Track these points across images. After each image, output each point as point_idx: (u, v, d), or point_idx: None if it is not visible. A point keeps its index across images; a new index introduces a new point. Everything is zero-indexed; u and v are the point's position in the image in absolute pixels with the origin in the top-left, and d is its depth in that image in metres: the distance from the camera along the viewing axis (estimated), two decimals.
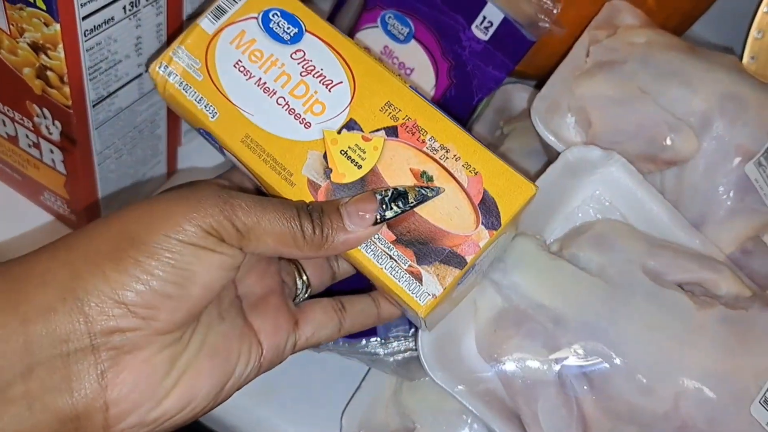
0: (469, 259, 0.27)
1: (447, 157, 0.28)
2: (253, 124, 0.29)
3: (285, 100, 0.30)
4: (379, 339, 0.37)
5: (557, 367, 0.33)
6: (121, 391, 0.25)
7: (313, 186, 0.29)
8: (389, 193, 0.28)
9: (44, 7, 0.32)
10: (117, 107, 0.40)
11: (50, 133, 0.39)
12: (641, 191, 0.39)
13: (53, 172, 0.42)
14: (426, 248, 0.28)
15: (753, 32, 0.61)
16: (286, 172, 0.29)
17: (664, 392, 0.31)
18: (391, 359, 0.37)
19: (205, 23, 0.31)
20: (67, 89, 0.35)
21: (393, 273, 0.28)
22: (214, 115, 0.30)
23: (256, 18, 0.30)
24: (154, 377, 0.26)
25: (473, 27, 0.49)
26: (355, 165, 0.29)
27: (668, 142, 0.41)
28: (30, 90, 0.37)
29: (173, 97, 0.31)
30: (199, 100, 0.30)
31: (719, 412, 0.31)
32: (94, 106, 0.38)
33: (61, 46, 0.33)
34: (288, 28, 0.30)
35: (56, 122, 0.38)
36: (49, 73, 0.35)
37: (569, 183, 0.40)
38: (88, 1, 0.33)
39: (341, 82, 0.30)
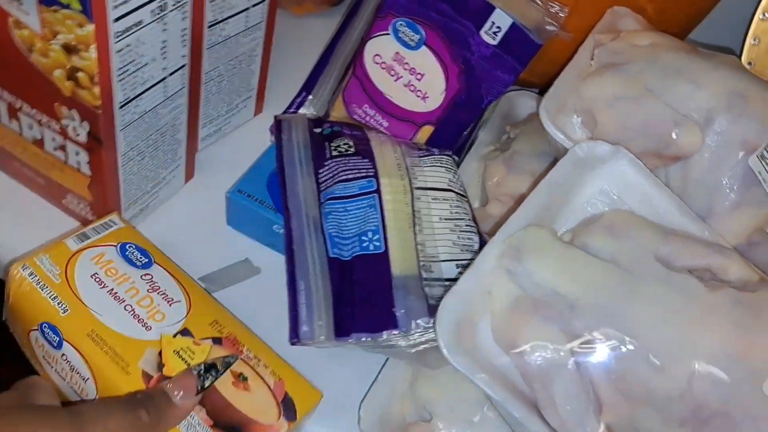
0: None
1: (258, 365, 0.37)
2: (100, 322, 0.36)
3: (131, 307, 0.37)
4: (400, 331, 0.38)
5: (573, 352, 0.34)
6: None
7: (147, 377, 0.34)
8: (202, 367, 0.34)
9: (80, 7, 0.33)
10: (141, 109, 0.41)
11: (77, 135, 0.40)
12: (649, 185, 0.41)
13: (77, 174, 0.43)
14: None
15: (749, 39, 0.63)
16: (124, 363, 0.35)
17: (679, 373, 0.32)
18: (413, 350, 0.38)
19: (71, 243, 0.38)
20: (97, 89, 0.37)
21: None
22: (65, 311, 0.35)
23: (115, 246, 0.39)
24: None
25: (482, 32, 0.51)
26: (185, 362, 0.35)
27: (673, 137, 0.42)
28: (59, 92, 0.38)
29: (27, 294, 0.36)
30: (54, 297, 0.36)
31: (733, 391, 0.32)
32: (120, 107, 0.39)
33: (93, 46, 0.34)
34: (140, 257, 0.39)
35: (84, 123, 0.39)
36: (79, 74, 0.36)
37: (578, 177, 0.41)
38: (121, 3, 0.34)
39: (180, 301, 0.38)
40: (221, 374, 0.35)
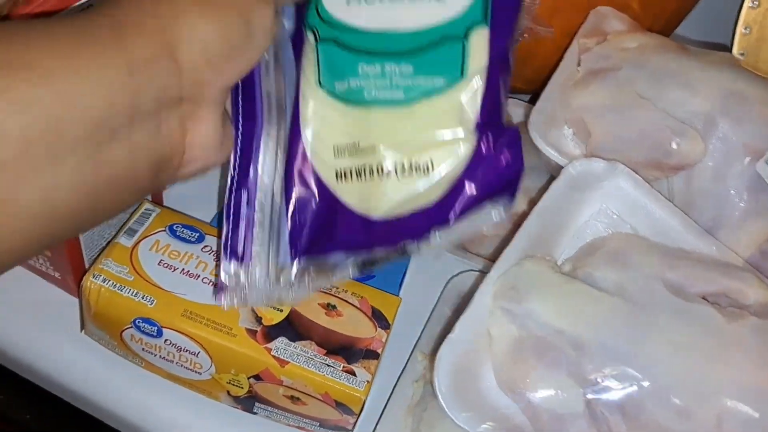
0: (380, 350, 0.37)
1: (339, 292, 0.39)
2: (188, 301, 0.36)
3: (207, 279, 0.37)
4: None
5: (585, 397, 0.31)
6: (195, 138, 0.29)
7: (251, 333, 0.36)
8: None
9: None
10: None
11: None
12: (649, 201, 0.38)
13: None
14: (349, 352, 0.36)
15: (740, 28, 0.60)
16: (226, 328, 0.36)
17: (706, 415, 0.29)
18: None
19: (123, 241, 0.38)
20: None
21: (333, 375, 0.35)
22: (152, 303, 0.36)
23: (165, 230, 0.39)
24: (216, 130, 0.30)
25: None
26: (278, 311, 0.37)
27: (673, 146, 0.40)
28: None
29: (110, 300, 0.36)
30: (136, 294, 0.36)
31: (764, 429, 0.29)
32: None
33: None
34: (191, 234, 0.39)
35: None
36: None
37: (574, 198, 0.38)
38: None
39: None
40: None
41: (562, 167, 0.40)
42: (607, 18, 0.49)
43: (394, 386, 0.40)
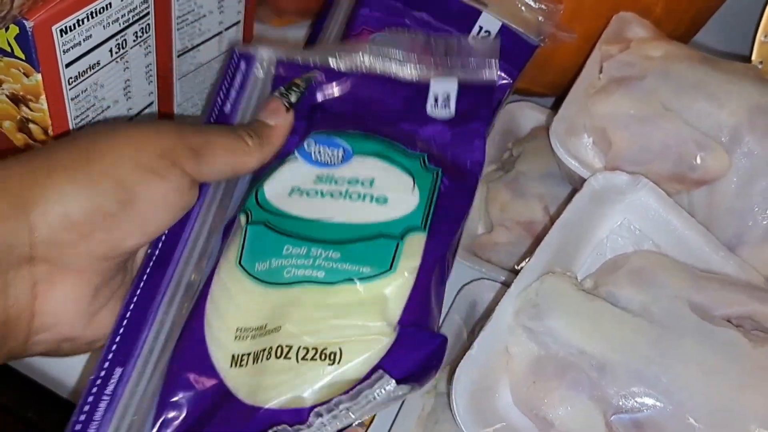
0: None
1: None
2: None
3: None
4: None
5: (606, 420, 0.30)
6: (48, 304, 0.27)
7: None
8: (282, 88, 0.34)
9: (23, 57, 0.29)
10: None
11: None
12: (672, 216, 0.37)
13: None
14: None
15: (759, 36, 0.59)
16: None
17: None
18: None
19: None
20: None
21: None
22: None
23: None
24: (81, 299, 0.28)
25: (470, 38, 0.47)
26: None
27: (698, 160, 0.39)
28: (11, 143, 0.34)
29: None
30: None
31: None
32: None
33: (43, 97, 0.30)
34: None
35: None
36: (31, 125, 0.32)
37: (596, 212, 0.37)
38: (72, 47, 0.30)
39: None
40: (304, 90, 0.35)
41: (581, 177, 0.39)
42: (629, 23, 0.48)
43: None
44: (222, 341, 0.30)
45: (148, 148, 0.28)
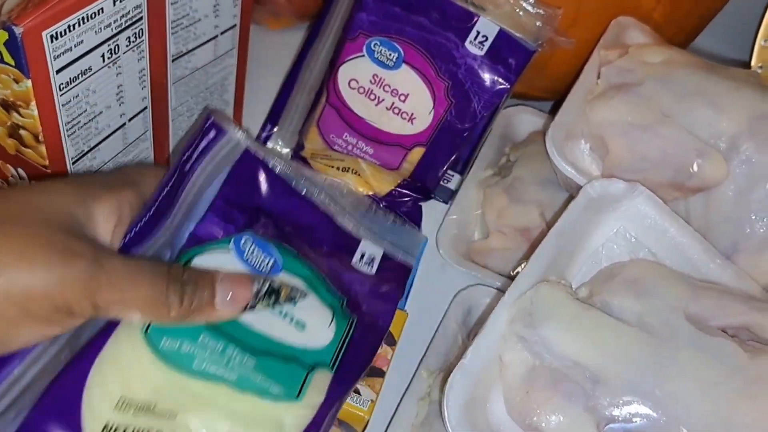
0: (385, 368, 0.36)
1: None
2: None
3: None
4: None
5: (600, 431, 0.30)
6: None
7: None
8: (264, 288, 0.30)
9: (13, 63, 0.28)
10: (100, 160, 0.36)
11: None
12: (669, 224, 0.37)
13: None
14: None
15: (760, 41, 0.59)
16: None
17: None
18: None
19: None
20: (42, 148, 0.32)
21: None
22: None
23: None
24: None
25: (467, 43, 0.47)
26: None
27: (695, 168, 0.38)
28: (2, 149, 0.34)
29: None
30: None
31: None
32: (73, 163, 0.34)
33: (33, 103, 0.30)
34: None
35: (33, 183, 0.35)
36: (22, 131, 0.32)
37: (592, 220, 0.37)
38: (62, 53, 0.29)
39: None
40: (276, 304, 0.30)
41: (577, 184, 0.39)
42: (628, 29, 0.47)
43: (398, 404, 0.39)
44: (99, 406, 0.27)
45: (46, 299, 0.24)
